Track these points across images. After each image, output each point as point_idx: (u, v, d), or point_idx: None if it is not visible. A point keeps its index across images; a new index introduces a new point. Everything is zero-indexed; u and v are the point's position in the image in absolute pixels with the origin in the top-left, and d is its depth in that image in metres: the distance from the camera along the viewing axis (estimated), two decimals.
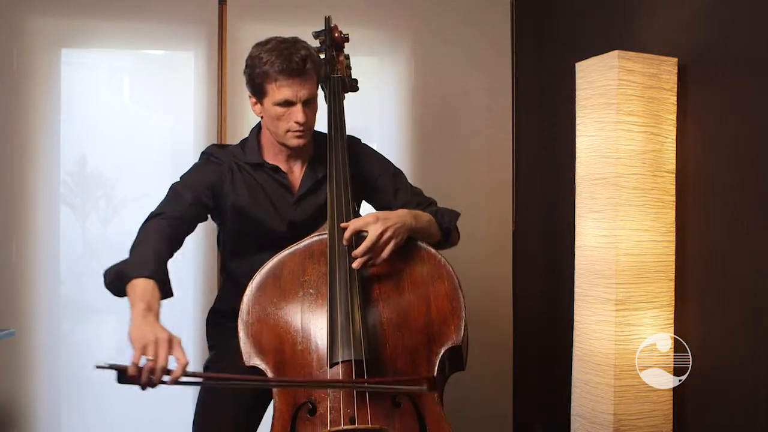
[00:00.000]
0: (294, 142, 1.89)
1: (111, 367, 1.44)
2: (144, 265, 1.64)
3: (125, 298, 1.63)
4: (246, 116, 2.86)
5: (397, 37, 3.01)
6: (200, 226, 1.96)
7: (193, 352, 2.82)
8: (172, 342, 1.49)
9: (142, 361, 1.46)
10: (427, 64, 3.01)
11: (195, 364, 2.77)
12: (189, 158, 2.85)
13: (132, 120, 2.93)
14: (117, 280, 1.64)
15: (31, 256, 2.75)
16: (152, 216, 1.81)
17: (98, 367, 1.43)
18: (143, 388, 1.47)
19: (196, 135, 2.86)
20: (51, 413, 2.79)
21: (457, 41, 3.02)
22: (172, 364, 1.49)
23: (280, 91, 1.83)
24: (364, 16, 2.94)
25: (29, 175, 2.74)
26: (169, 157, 2.93)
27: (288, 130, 1.87)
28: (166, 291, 1.65)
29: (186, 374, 1.49)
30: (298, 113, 1.85)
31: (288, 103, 1.84)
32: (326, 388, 1.65)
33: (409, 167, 2.91)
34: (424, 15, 3.01)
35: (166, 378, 1.47)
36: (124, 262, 1.67)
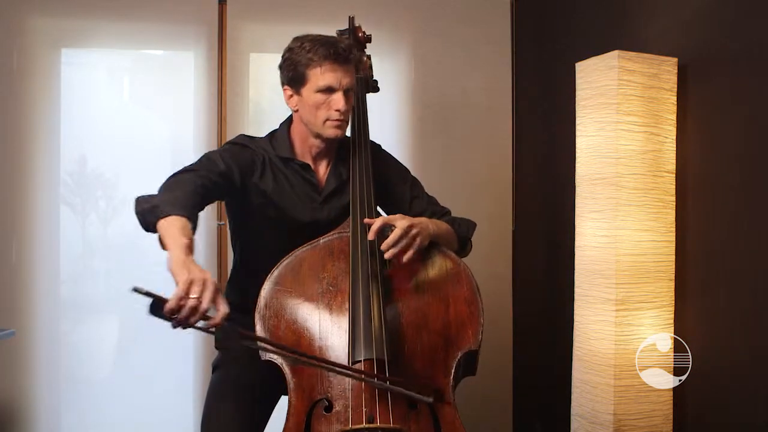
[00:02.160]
0: (332, 132, 1.87)
1: (149, 294, 1.36)
2: (181, 205, 1.60)
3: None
4: (246, 116, 2.86)
5: (397, 37, 3.01)
6: (201, 225, 1.94)
7: (194, 351, 2.82)
8: (216, 289, 1.44)
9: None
10: (427, 64, 3.01)
11: (195, 364, 2.79)
12: (189, 158, 2.82)
13: (132, 120, 2.93)
14: (150, 212, 1.59)
15: (31, 256, 2.75)
16: (185, 170, 1.77)
17: (135, 290, 1.34)
18: (176, 325, 1.41)
19: (196, 135, 2.86)
20: (51, 413, 2.79)
21: (457, 41, 3.02)
22: None
23: (324, 76, 1.82)
24: (365, 16, 2.93)
25: (29, 175, 2.75)
26: (169, 157, 2.93)
27: (327, 119, 1.86)
28: (194, 227, 1.62)
29: (220, 323, 1.43)
30: (339, 101, 1.84)
31: (330, 90, 1.84)
32: (344, 375, 1.60)
33: (410, 167, 2.89)
34: (424, 15, 3.01)
35: (200, 322, 1.41)
36: (158, 196, 1.64)
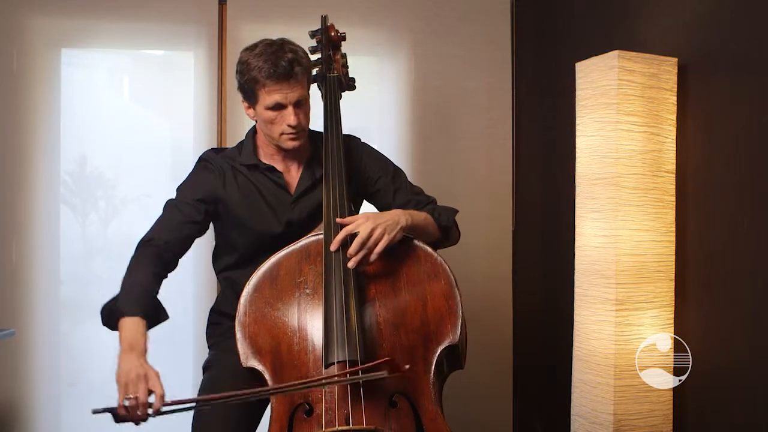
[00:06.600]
0: (289, 144, 1.90)
1: (105, 410, 1.53)
2: (132, 302, 1.69)
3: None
4: (246, 116, 2.86)
5: (397, 37, 3.01)
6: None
7: (194, 351, 2.82)
8: (147, 376, 1.55)
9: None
10: (427, 64, 3.01)
11: (195, 364, 2.79)
12: (189, 158, 2.86)
13: (132, 120, 2.93)
14: (110, 320, 1.70)
15: (31, 256, 2.75)
16: (143, 242, 1.83)
17: (95, 411, 1.52)
18: (137, 423, 1.57)
19: (196, 135, 2.86)
20: (51, 413, 2.79)
21: (457, 41, 3.02)
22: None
23: (270, 95, 1.84)
24: (364, 16, 2.94)
25: (29, 175, 2.74)
26: (169, 157, 2.93)
27: (282, 133, 1.88)
28: (157, 320, 1.73)
29: (167, 404, 1.56)
30: (290, 116, 1.86)
31: (279, 107, 1.85)
32: (300, 389, 1.63)
33: (409, 167, 2.91)
34: (424, 15, 3.01)
35: (150, 411, 1.55)
36: (116, 299, 1.72)
